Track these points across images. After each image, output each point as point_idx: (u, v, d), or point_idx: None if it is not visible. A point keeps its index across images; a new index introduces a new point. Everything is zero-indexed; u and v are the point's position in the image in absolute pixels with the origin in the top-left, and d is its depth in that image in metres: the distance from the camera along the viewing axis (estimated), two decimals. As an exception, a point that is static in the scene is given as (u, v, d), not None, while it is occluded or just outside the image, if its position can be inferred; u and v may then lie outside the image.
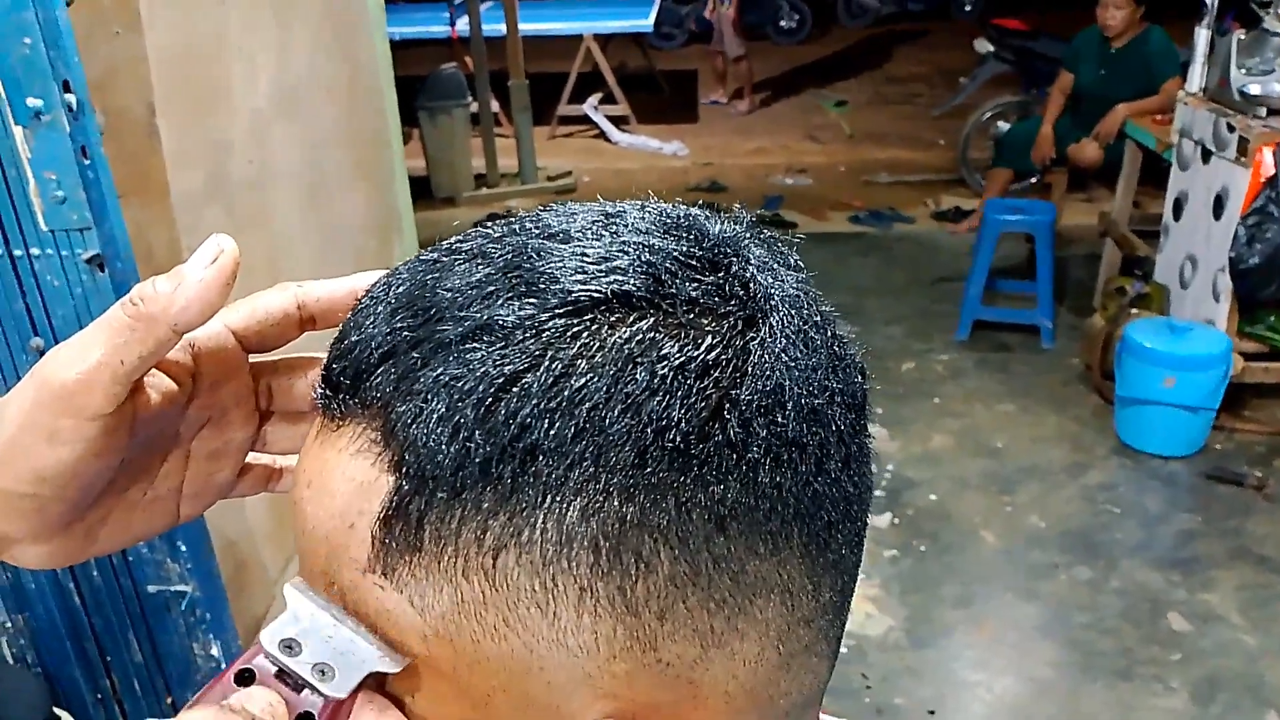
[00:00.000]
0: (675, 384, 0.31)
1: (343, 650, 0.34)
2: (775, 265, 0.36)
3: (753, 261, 0.35)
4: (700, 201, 0.38)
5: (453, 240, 0.37)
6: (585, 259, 0.33)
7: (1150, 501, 3.06)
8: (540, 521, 0.31)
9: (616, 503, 0.31)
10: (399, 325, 0.33)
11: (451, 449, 0.31)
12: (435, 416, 0.31)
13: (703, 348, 0.32)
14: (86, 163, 1.40)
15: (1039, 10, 6.52)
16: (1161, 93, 4.16)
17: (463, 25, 6.76)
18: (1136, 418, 3.23)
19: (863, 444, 0.36)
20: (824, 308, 0.36)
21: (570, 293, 0.32)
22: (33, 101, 1.34)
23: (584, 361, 0.31)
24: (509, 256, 0.34)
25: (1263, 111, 3.09)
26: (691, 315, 0.32)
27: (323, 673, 0.35)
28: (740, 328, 0.33)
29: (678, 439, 0.31)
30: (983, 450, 3.31)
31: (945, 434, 3.42)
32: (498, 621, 0.32)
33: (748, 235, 0.37)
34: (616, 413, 0.31)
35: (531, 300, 0.32)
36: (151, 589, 1.70)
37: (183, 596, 1.69)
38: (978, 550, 2.86)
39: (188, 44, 2.38)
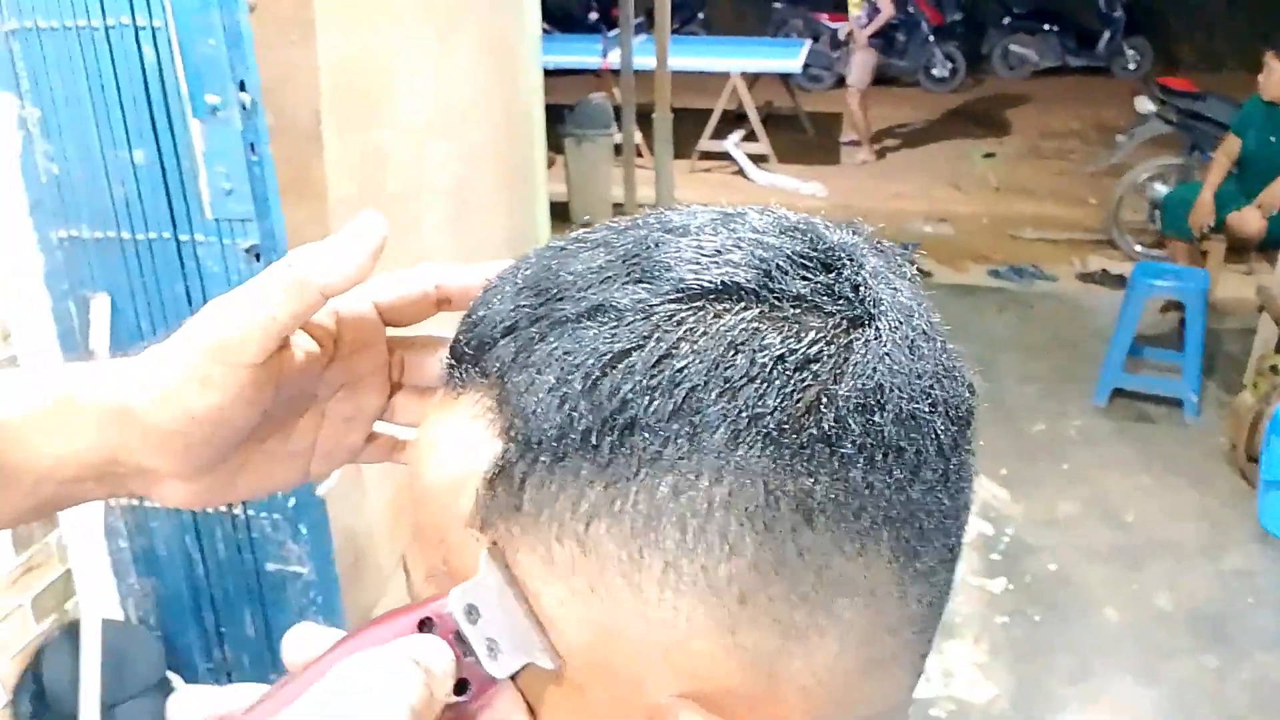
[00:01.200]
0: (774, 373, 0.32)
1: (517, 633, 0.35)
2: (889, 274, 0.36)
3: (866, 268, 0.36)
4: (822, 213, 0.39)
5: (580, 232, 0.38)
6: (701, 251, 0.35)
7: (1292, 593, 2.87)
8: (633, 494, 0.32)
9: (706, 482, 0.32)
10: (522, 303, 0.35)
11: (557, 417, 0.33)
12: (545, 387, 0.33)
13: (804, 341, 0.33)
14: (254, 159, 1.49)
15: (1210, 71, 6.26)
16: (1337, 163, 3.94)
17: (613, 57, 6.91)
18: (1283, 504, 3.04)
19: (964, 460, 0.36)
20: (935, 319, 0.37)
21: (683, 280, 0.33)
22: (211, 98, 1.44)
23: (687, 344, 0.32)
24: (629, 246, 0.36)
25: None
26: (798, 310, 0.33)
27: (490, 649, 0.35)
28: (845, 327, 0.33)
29: (771, 426, 0.32)
30: (1112, 521, 3.16)
31: (1073, 500, 3.28)
32: (585, 587, 0.33)
33: (865, 244, 0.37)
34: (714, 395, 0.32)
35: (646, 285, 0.34)
36: (271, 567, 1.78)
37: (299, 577, 1.76)
38: (1098, 625, 2.72)
39: (355, 56, 2.51)
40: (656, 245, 0.35)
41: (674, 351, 0.32)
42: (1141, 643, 2.65)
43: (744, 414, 0.32)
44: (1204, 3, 9.27)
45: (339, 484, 2.10)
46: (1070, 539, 3.08)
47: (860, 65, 7.33)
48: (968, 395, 0.36)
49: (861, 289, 0.35)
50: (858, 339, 0.33)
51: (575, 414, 0.32)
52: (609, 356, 0.32)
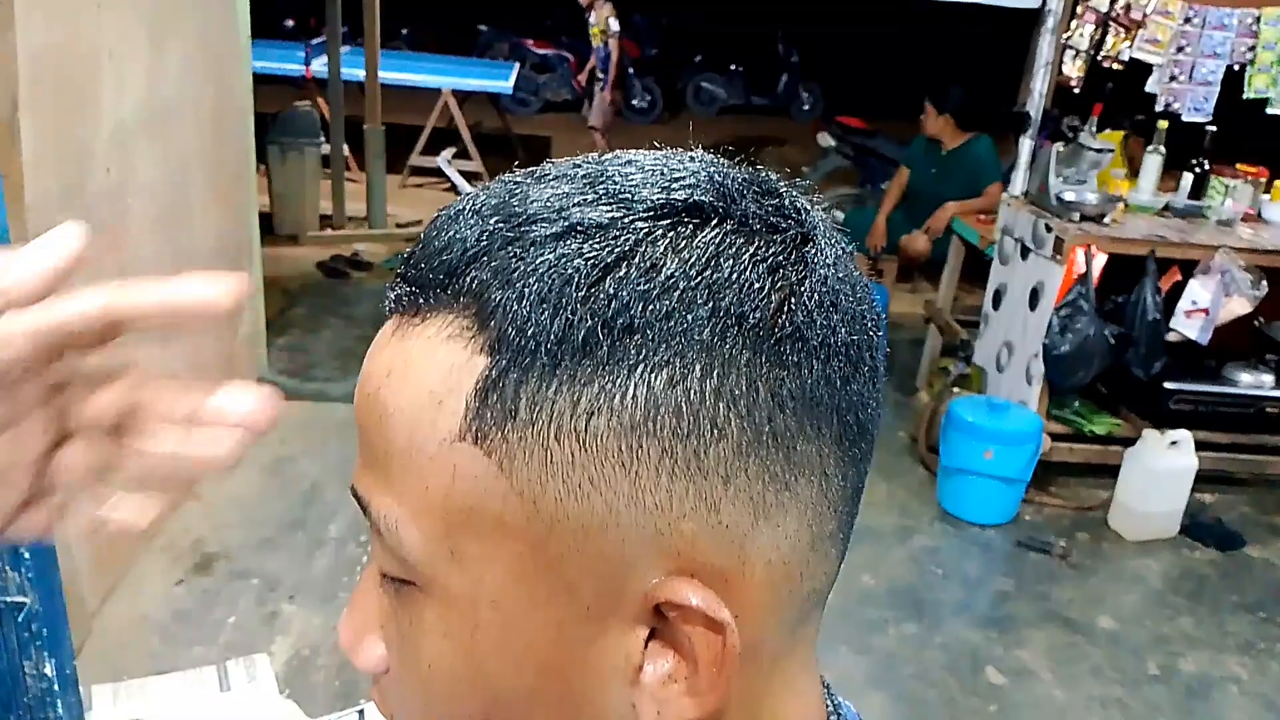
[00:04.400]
0: (753, 276, 0.37)
1: None
2: (810, 201, 0.42)
3: (798, 192, 0.41)
4: None
5: (525, 170, 0.41)
6: (661, 176, 0.39)
7: (969, 565, 3.28)
8: (632, 389, 0.35)
9: (698, 374, 0.36)
10: (491, 229, 0.37)
11: (554, 325, 0.35)
12: (536, 298, 0.35)
13: (772, 251, 0.38)
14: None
15: (874, 114, 7.04)
16: (985, 195, 4.56)
17: (317, 66, 6.67)
18: (958, 487, 3.47)
19: (879, 365, 0.42)
20: (845, 241, 0.43)
21: (652, 200, 0.37)
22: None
23: (673, 254, 0.36)
24: (589, 176, 0.39)
25: (1076, 216, 3.44)
26: (759, 227, 0.38)
27: None
28: (799, 241, 0.39)
29: (752, 322, 0.36)
30: (819, 513, 3.45)
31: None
32: (583, 480, 0.36)
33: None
34: (704, 297, 0.36)
35: (618, 206, 0.37)
36: (-16, 601, 1.57)
37: (20, 608, 1.57)
38: (814, 606, 2.97)
39: (58, 47, 2.28)
40: (616, 174, 0.39)
41: (662, 261, 0.36)
42: (851, 618, 2.92)
43: (729, 313, 0.36)
44: (867, 54, 10.38)
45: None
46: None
47: (601, 109, 7.45)
48: (878, 310, 0.42)
49: (802, 212, 0.40)
50: (809, 251, 0.39)
51: (574, 319, 0.35)
52: (601, 266, 0.36)
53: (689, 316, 0.35)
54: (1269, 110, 3.68)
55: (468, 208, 0.39)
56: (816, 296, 0.38)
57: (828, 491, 0.40)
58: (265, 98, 4.11)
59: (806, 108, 10.94)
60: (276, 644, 2.59)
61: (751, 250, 0.37)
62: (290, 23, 9.09)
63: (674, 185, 0.38)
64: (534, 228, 0.37)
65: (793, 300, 0.37)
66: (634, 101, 10.21)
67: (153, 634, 2.60)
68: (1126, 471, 3.44)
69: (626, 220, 0.37)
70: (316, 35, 7.37)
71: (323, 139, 5.90)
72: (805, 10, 10.27)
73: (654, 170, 0.39)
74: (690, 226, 0.37)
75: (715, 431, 0.36)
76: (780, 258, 0.38)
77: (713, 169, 0.40)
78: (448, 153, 7.14)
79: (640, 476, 0.36)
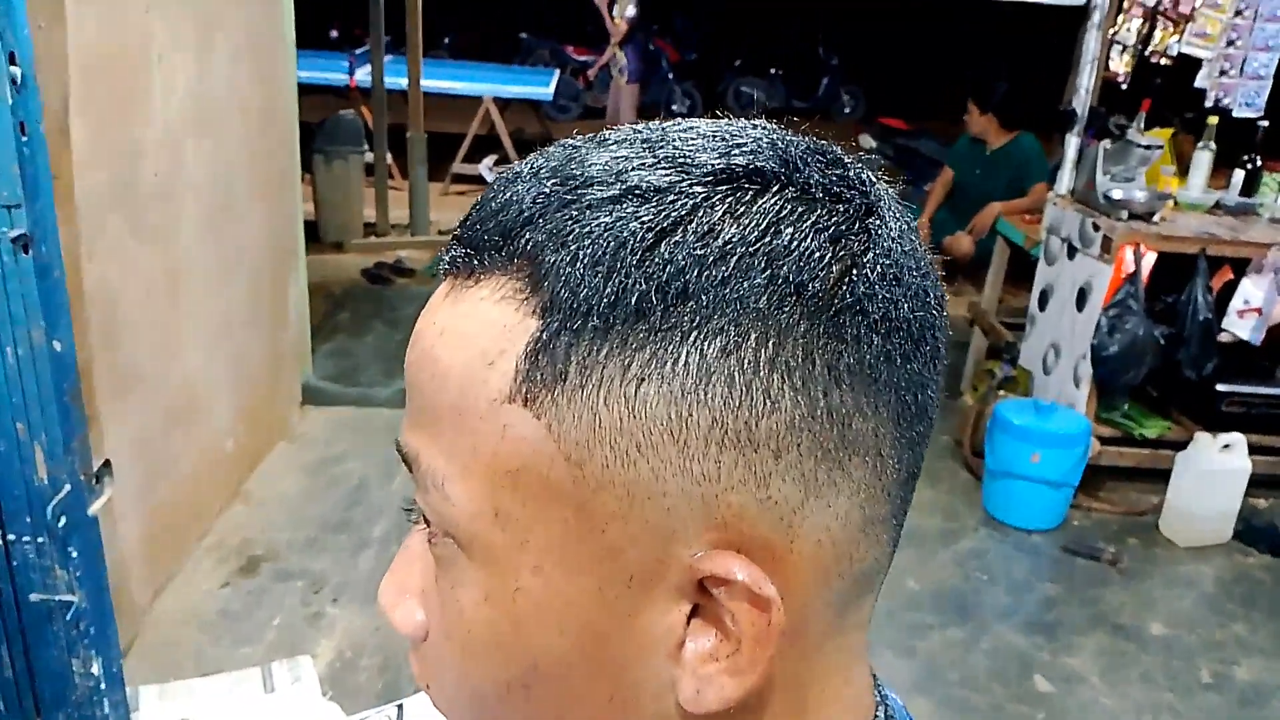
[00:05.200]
0: (813, 245, 0.36)
1: None
2: (877, 175, 0.41)
3: (864, 164, 0.40)
4: None
5: (585, 136, 0.41)
6: (723, 142, 0.38)
7: (1016, 570, 3.22)
8: (684, 356, 0.34)
9: (753, 342, 0.35)
10: (547, 191, 0.37)
11: (607, 288, 0.35)
12: (590, 261, 0.35)
13: (834, 220, 0.37)
14: (24, 139, 1.36)
15: (917, 114, 6.97)
16: (1031, 194, 4.50)
17: (361, 75, 6.75)
18: (1003, 491, 3.41)
19: (940, 345, 0.40)
20: (910, 218, 0.41)
21: (712, 165, 0.36)
22: (-21, 69, 1.30)
23: (732, 219, 0.35)
24: (648, 141, 0.38)
25: (1124, 214, 3.37)
26: (821, 195, 0.37)
27: None
28: (863, 212, 0.38)
29: (811, 291, 0.35)
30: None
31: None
32: (630, 446, 0.35)
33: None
34: (761, 265, 0.35)
35: (676, 171, 0.36)
36: (35, 597, 1.59)
37: (68, 607, 1.59)
38: (858, 610, 2.93)
39: (109, 46, 2.33)
40: (675, 139, 0.38)
41: (720, 226, 0.35)
42: (896, 621, 2.89)
43: (788, 281, 0.35)
44: (909, 54, 10.30)
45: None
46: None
47: (629, 106, 7.50)
48: (941, 289, 0.41)
49: (866, 183, 0.39)
50: (873, 223, 0.37)
51: (627, 283, 0.34)
52: (658, 230, 0.35)
53: (745, 284, 0.35)
54: (1324, 104, 3.58)
55: (526, 171, 0.39)
56: (879, 269, 0.37)
57: (882, 473, 0.38)
58: (310, 107, 4.17)
59: (848, 110, 10.88)
60: (320, 645, 2.61)
61: (813, 219, 0.36)
62: (335, 33, 9.22)
63: (735, 151, 0.37)
64: (590, 190, 0.36)
65: (854, 272, 0.36)
66: (674, 105, 10.21)
67: (199, 634, 2.63)
68: (1178, 475, 3.36)
69: (684, 185, 0.36)
70: (360, 44, 7.46)
71: (366, 147, 5.96)
72: (845, 11, 10.21)
73: (715, 136, 0.38)
74: (750, 192, 0.36)
75: (768, 403, 0.35)
76: (843, 227, 0.37)
77: (775, 136, 0.39)
78: (489, 160, 7.20)
79: (689, 445, 0.35)
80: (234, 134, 3.11)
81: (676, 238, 0.35)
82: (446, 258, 0.39)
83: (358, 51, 7.03)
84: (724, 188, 0.36)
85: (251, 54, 3.21)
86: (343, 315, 4.86)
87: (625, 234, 0.35)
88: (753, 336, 0.35)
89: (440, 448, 0.39)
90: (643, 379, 0.35)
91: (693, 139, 0.38)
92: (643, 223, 0.35)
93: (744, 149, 0.37)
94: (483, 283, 0.37)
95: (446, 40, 10.16)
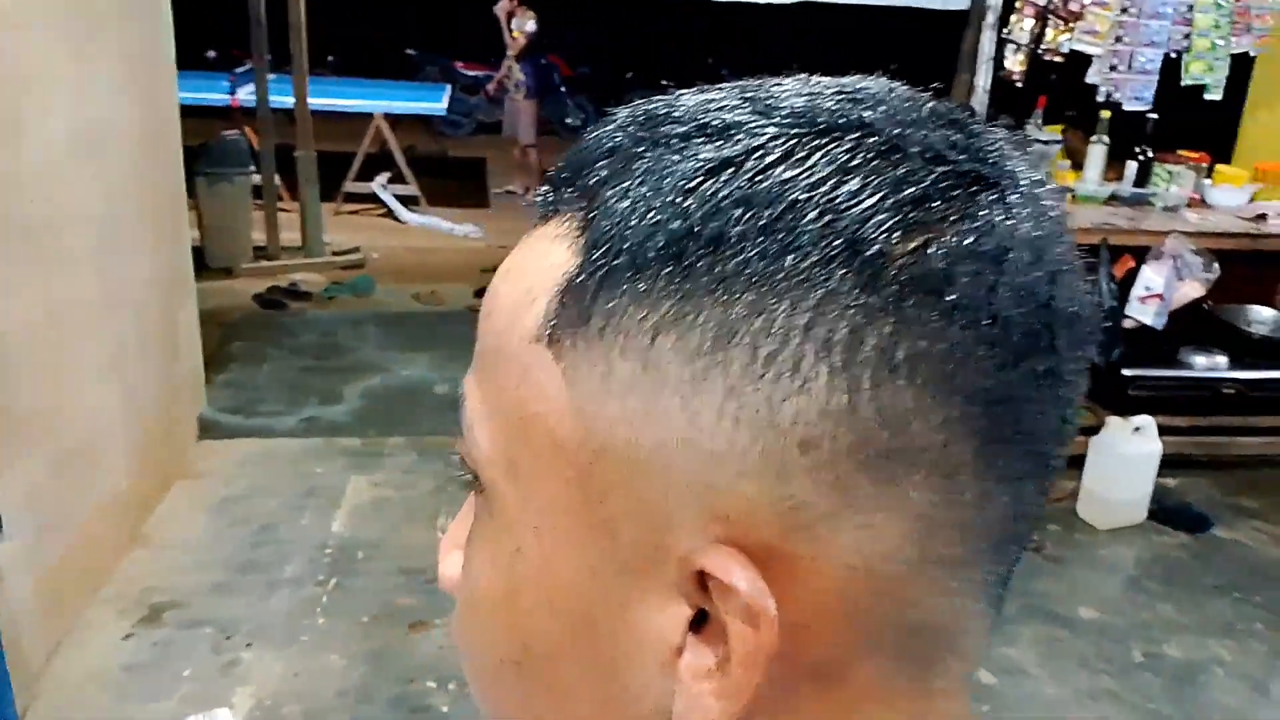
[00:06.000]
0: (884, 201, 0.29)
1: None
2: (1017, 151, 0.34)
3: (999, 136, 0.34)
4: None
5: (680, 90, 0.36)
6: (822, 88, 0.33)
7: (946, 565, 3.25)
8: (706, 309, 0.29)
9: (788, 306, 0.29)
10: (628, 128, 0.34)
11: (640, 225, 0.30)
12: (635, 197, 0.31)
13: (927, 181, 0.30)
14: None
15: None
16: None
17: (244, 95, 6.50)
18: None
19: (1077, 370, 0.32)
20: (1063, 212, 0.34)
21: (795, 106, 0.32)
22: None
23: (791, 162, 0.30)
24: (746, 87, 0.34)
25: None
26: (918, 152, 0.31)
27: None
28: (970, 180, 0.31)
29: (869, 255, 0.29)
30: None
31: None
32: (638, 407, 0.31)
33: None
34: (814, 214, 0.29)
35: (756, 112, 0.32)
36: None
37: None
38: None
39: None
40: (771, 86, 0.34)
41: (777, 165, 0.30)
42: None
43: (842, 237, 0.29)
44: (800, 66, 10.47)
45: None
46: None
47: (525, 126, 7.42)
48: (1084, 301, 0.33)
49: (988, 153, 0.32)
50: (984, 196, 0.31)
51: (660, 222, 0.30)
52: (707, 168, 0.30)
53: (789, 236, 0.29)
54: (1206, 96, 3.73)
55: (622, 112, 0.35)
56: (973, 248, 0.29)
57: (953, 504, 0.30)
58: (190, 129, 3.94)
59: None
60: (237, 695, 2.45)
61: (897, 175, 0.30)
62: (212, 53, 8.90)
63: (839, 99, 0.32)
64: (664, 128, 0.32)
65: (934, 244, 0.29)
66: (567, 119, 10.16)
67: (103, 693, 2.44)
68: (1093, 460, 3.44)
69: (756, 125, 0.31)
70: (239, 64, 7.19)
71: (253, 168, 5.74)
72: (732, 22, 10.35)
73: (817, 84, 0.34)
74: (827, 138, 0.30)
75: (797, 379, 0.29)
76: (932, 191, 0.30)
77: (897, 92, 0.33)
78: (382, 177, 7.02)
79: (699, 415, 0.30)
80: (117, 160, 2.93)
81: (725, 176, 0.30)
82: (536, 200, 0.36)
83: (239, 71, 6.78)
84: (798, 129, 0.31)
85: (131, 77, 3.03)
86: (236, 344, 4.64)
87: (675, 169, 0.31)
88: (788, 297, 0.29)
89: (481, 388, 0.36)
90: (659, 331, 0.30)
91: (792, 86, 0.33)
92: (699, 158, 0.31)
93: (853, 98, 0.32)
94: (550, 220, 0.34)
95: (330, 58, 9.90)
